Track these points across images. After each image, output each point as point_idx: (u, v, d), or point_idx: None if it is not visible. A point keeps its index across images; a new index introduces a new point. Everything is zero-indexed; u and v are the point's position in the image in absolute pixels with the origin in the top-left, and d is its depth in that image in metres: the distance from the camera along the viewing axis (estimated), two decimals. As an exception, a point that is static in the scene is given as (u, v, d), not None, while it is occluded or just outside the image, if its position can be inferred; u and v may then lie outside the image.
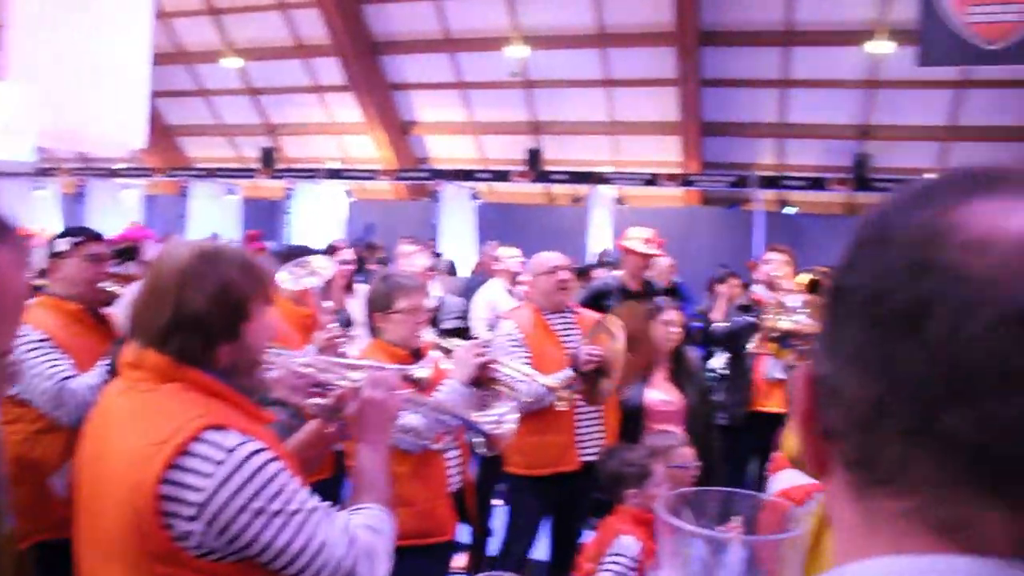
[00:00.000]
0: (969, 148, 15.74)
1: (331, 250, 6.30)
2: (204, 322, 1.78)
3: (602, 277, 6.12)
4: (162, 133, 19.86)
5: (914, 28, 8.80)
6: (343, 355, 3.78)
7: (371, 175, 17.86)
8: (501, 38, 16.13)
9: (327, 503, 1.80)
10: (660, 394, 4.50)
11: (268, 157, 17.98)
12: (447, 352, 3.70)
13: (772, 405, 5.21)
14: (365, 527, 1.84)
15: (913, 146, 16.01)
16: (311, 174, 18.01)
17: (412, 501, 3.29)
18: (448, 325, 5.79)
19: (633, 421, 4.41)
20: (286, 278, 3.95)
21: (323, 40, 17.28)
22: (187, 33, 18.79)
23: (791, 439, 2.51)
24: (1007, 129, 15.18)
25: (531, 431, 3.98)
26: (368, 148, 19.15)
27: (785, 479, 3.46)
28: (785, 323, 2.75)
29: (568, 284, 4.31)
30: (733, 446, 5.31)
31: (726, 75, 16.01)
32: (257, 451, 1.69)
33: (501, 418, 2.51)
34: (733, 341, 5.23)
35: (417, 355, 3.51)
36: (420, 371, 3.00)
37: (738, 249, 16.24)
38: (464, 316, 5.95)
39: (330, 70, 18.04)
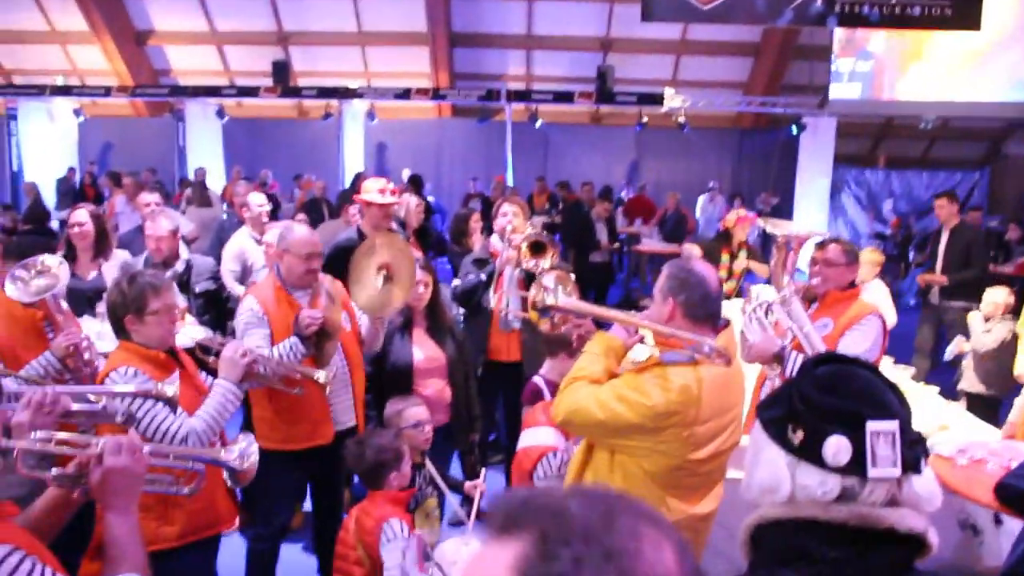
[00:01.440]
0: (697, 61, 16.88)
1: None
2: None
3: (346, 231, 6.08)
4: None
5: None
6: (89, 364, 3.68)
7: (105, 92, 16.50)
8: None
9: None
10: (421, 351, 4.65)
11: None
12: (214, 355, 3.66)
13: (508, 355, 5.52)
14: None
15: (651, 59, 16.91)
16: (35, 90, 16.38)
17: (193, 498, 3.09)
18: (201, 288, 5.66)
19: (402, 380, 4.52)
20: (16, 291, 3.70)
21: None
22: None
23: (562, 403, 2.88)
24: (730, 45, 16.47)
25: (282, 407, 4.07)
26: (99, 60, 17.71)
27: (531, 436, 3.76)
28: (550, 299, 3.16)
29: (318, 271, 4.27)
30: (479, 393, 5.61)
31: (474, -14, 16.09)
32: (4, 558, 1.70)
33: (243, 452, 2.60)
34: (467, 299, 5.47)
35: (172, 353, 3.47)
36: (168, 388, 3.02)
37: (490, 160, 16.69)
38: (215, 276, 5.83)
39: (46, -31, 16.36)
